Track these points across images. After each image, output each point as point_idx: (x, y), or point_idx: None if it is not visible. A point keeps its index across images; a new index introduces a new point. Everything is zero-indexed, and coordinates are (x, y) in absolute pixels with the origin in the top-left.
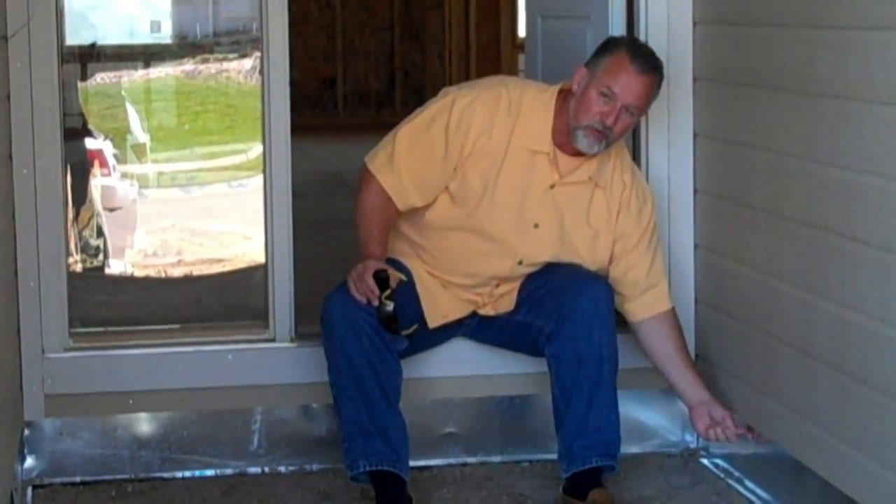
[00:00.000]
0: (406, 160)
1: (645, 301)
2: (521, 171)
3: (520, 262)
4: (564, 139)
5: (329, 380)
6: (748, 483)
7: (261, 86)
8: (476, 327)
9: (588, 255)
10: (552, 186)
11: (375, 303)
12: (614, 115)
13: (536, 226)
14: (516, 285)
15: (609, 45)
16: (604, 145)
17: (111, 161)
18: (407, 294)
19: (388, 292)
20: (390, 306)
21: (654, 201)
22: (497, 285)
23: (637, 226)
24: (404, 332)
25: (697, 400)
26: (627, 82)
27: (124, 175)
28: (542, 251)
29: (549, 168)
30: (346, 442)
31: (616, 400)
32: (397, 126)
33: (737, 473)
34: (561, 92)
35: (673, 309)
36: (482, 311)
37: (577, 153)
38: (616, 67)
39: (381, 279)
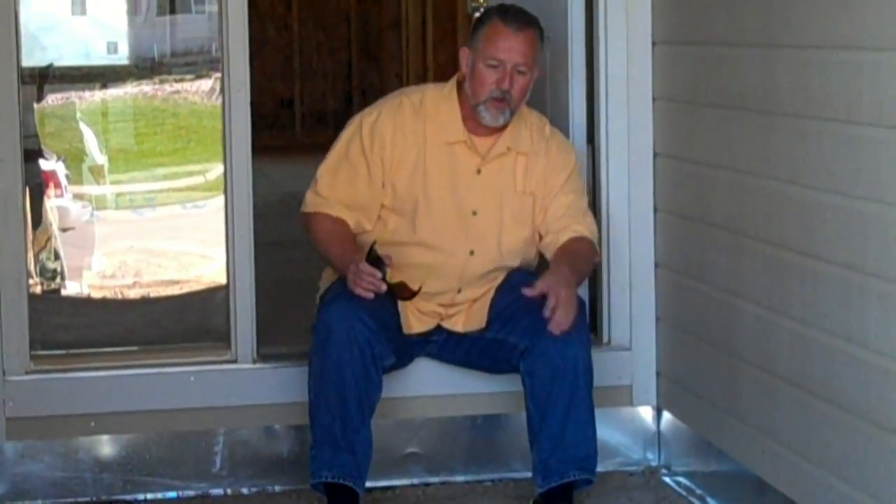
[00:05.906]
0: (334, 191)
1: (565, 236)
2: (444, 165)
3: (472, 253)
4: (474, 123)
5: (308, 383)
6: (710, 501)
7: (221, 106)
8: (444, 344)
9: (528, 229)
10: (478, 171)
11: (383, 287)
12: (508, 78)
13: (475, 213)
14: (481, 294)
15: (482, 18)
16: (508, 114)
17: (64, 182)
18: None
19: (385, 269)
20: (395, 279)
21: (577, 154)
22: (459, 291)
23: (562, 171)
24: (415, 288)
25: (558, 275)
26: (508, 44)
27: (79, 196)
28: (487, 236)
29: (470, 154)
30: (315, 448)
31: (593, 414)
32: (317, 170)
33: (699, 491)
34: (459, 82)
35: (589, 240)
36: (448, 325)
37: (491, 132)
38: (493, 34)
39: (374, 258)
